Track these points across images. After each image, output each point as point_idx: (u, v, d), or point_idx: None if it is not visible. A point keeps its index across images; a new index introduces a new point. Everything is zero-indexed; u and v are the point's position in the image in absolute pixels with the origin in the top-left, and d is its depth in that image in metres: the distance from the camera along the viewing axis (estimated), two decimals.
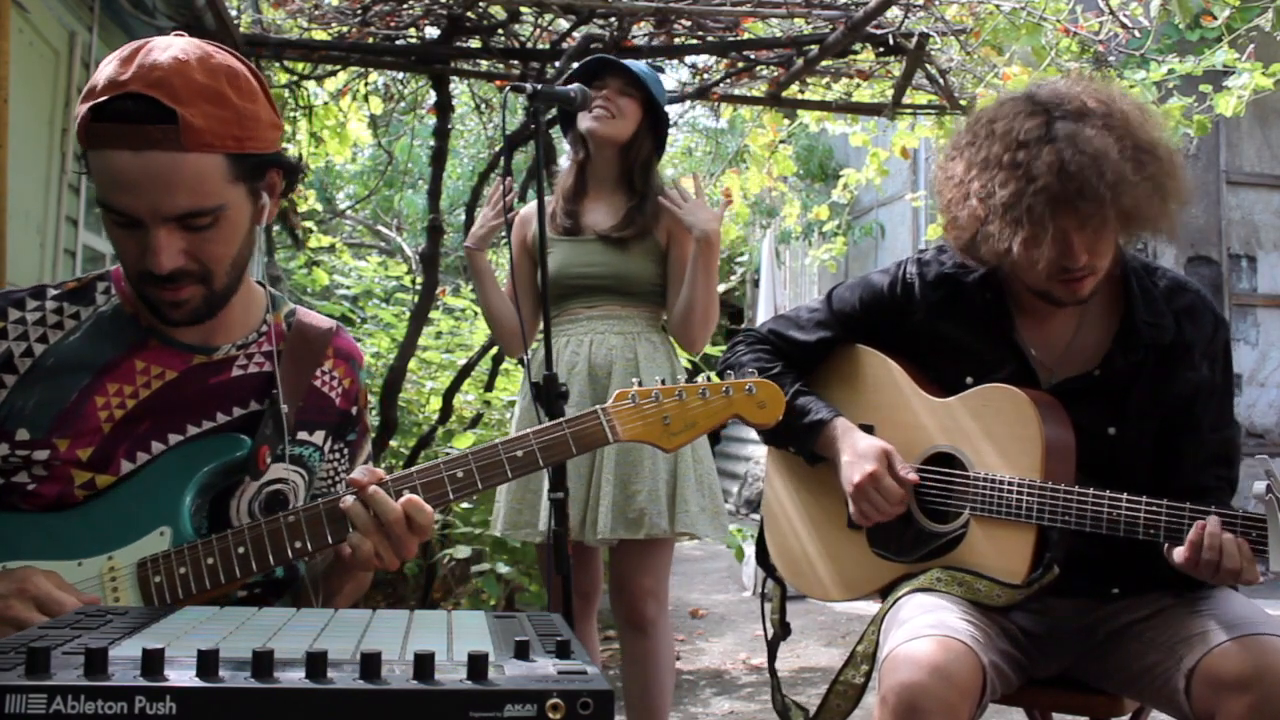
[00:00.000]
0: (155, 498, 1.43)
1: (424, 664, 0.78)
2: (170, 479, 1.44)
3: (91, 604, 1.34)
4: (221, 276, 1.43)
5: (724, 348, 2.74)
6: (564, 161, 2.95)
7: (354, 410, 1.65)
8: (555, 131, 3.59)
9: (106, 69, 1.35)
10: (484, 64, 4.63)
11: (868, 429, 1.97)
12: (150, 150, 1.32)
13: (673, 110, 6.56)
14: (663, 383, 1.53)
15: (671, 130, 3.45)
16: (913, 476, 1.88)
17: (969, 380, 1.89)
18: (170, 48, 1.36)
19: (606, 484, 2.66)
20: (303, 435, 1.57)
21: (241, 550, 1.39)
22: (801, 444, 2.00)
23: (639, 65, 2.82)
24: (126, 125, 1.31)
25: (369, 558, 1.37)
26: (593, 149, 2.80)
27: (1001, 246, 1.75)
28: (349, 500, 1.38)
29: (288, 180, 1.50)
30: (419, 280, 5.18)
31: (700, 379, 1.55)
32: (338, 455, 1.65)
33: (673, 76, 7.51)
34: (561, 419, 1.49)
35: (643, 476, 2.65)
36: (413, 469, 1.44)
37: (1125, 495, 1.71)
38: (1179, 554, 1.67)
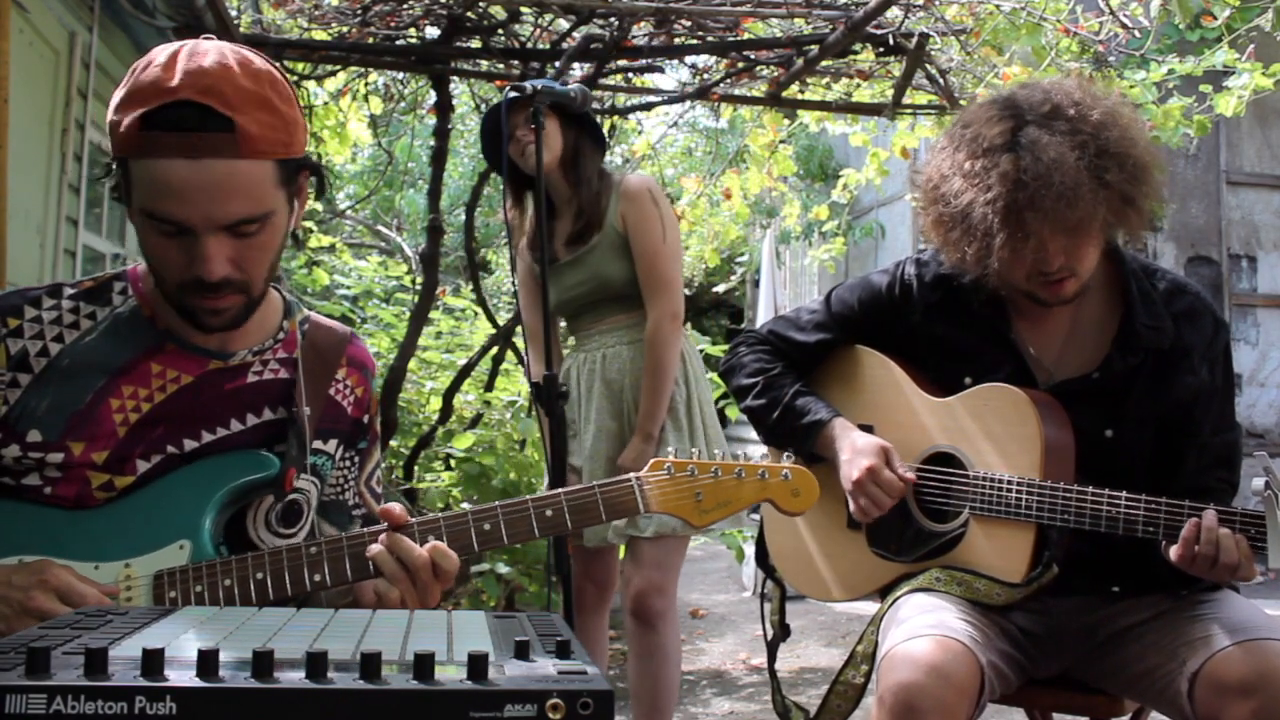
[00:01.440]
0: (177, 509, 1.42)
1: (424, 664, 0.78)
2: (195, 491, 1.43)
3: (112, 594, 1.34)
4: (259, 284, 1.43)
5: (725, 348, 2.75)
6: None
7: (365, 418, 1.64)
8: None
9: (147, 75, 1.32)
10: (484, 64, 4.63)
11: (867, 429, 1.97)
12: (207, 158, 1.30)
13: (673, 110, 6.57)
14: (696, 455, 1.53)
15: (671, 130, 3.45)
16: (910, 476, 1.89)
17: (968, 380, 1.90)
18: (210, 53, 1.34)
19: None
20: (317, 444, 1.57)
21: (260, 576, 1.38)
22: (800, 444, 2.00)
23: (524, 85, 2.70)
24: (182, 134, 1.30)
25: (396, 604, 1.37)
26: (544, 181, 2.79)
27: (956, 256, 1.80)
28: (375, 548, 1.37)
29: (318, 183, 1.51)
30: (419, 280, 5.18)
31: (741, 457, 1.53)
32: (348, 463, 1.64)
33: (673, 76, 7.52)
34: (595, 483, 1.48)
35: None
36: (439, 515, 1.43)
37: (1124, 493, 1.71)
38: (1175, 550, 1.67)
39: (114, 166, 1.39)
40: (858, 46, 4.25)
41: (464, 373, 4.82)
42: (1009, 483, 1.80)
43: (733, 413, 5.85)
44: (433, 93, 4.85)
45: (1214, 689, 1.61)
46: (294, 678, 0.76)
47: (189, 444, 1.46)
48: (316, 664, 0.77)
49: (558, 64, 4.12)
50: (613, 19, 4.12)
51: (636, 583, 2.76)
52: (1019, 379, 1.86)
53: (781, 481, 1.50)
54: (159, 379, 1.46)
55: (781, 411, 2.01)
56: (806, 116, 5.32)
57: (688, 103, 5.65)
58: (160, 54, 1.35)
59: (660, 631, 2.76)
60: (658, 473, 1.49)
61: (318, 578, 1.39)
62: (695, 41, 4.48)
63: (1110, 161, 1.69)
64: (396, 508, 1.40)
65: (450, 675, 0.78)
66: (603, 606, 2.88)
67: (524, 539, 1.45)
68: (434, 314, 5.72)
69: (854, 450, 1.91)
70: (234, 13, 4.23)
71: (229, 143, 1.31)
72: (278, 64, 1.44)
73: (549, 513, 1.44)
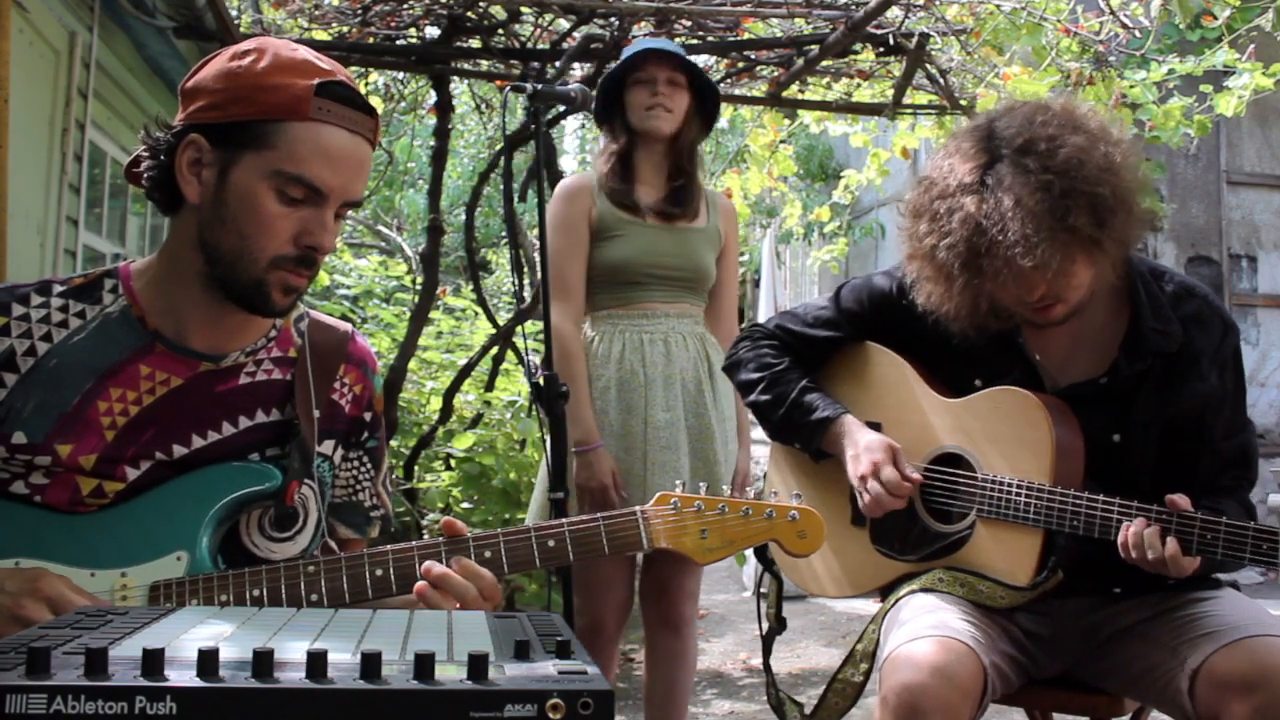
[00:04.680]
0: (176, 519, 1.40)
1: (424, 664, 0.78)
2: (194, 502, 1.41)
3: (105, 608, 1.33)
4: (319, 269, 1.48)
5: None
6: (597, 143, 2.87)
7: (367, 416, 1.61)
8: (555, 131, 3.57)
9: (286, 54, 1.39)
10: (484, 64, 4.63)
11: (875, 427, 1.97)
12: (360, 137, 1.41)
13: None
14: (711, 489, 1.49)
15: None
16: (916, 476, 1.89)
17: (978, 383, 1.89)
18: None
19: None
20: (315, 448, 1.54)
21: (256, 593, 1.37)
22: (807, 440, 2.00)
23: (678, 48, 2.74)
24: (351, 109, 1.39)
25: None
26: (639, 140, 2.69)
27: (924, 294, 1.81)
28: (423, 585, 1.34)
29: None
30: (419, 280, 5.19)
31: (750, 493, 1.49)
32: (356, 463, 1.61)
33: None
34: (599, 515, 1.45)
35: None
36: (440, 539, 1.41)
37: (1135, 503, 1.71)
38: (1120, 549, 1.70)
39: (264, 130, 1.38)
40: (858, 46, 4.25)
41: (464, 373, 4.82)
42: (1018, 487, 1.79)
43: None
44: (433, 93, 4.86)
45: (1215, 686, 1.61)
46: (294, 678, 0.76)
47: (179, 449, 1.44)
48: (316, 664, 0.77)
49: (558, 64, 4.13)
50: (613, 19, 4.12)
51: (671, 591, 2.72)
52: (1026, 383, 1.85)
53: (788, 522, 1.47)
54: (148, 381, 1.43)
55: (788, 407, 2.01)
56: (807, 117, 5.32)
57: None
58: (264, 44, 1.40)
59: (686, 638, 2.75)
60: (663, 507, 1.46)
61: (315, 596, 1.37)
62: (695, 41, 4.48)
63: (1077, 202, 1.65)
64: (458, 524, 1.41)
65: (450, 675, 0.78)
66: (614, 643, 2.76)
67: (525, 568, 1.44)
68: (434, 314, 5.72)
69: (861, 447, 1.90)
70: (234, 13, 4.23)
71: (373, 129, 1.43)
72: None
73: (551, 543, 1.43)
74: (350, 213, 1.49)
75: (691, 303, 2.72)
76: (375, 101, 5.29)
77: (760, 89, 4.96)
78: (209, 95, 1.39)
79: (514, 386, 5.16)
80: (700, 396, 2.65)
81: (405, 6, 4.33)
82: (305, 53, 1.42)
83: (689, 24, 4.34)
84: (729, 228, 2.81)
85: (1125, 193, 1.70)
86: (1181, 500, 1.68)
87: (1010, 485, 1.80)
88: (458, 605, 1.34)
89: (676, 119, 2.66)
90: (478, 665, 0.78)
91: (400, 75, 5.36)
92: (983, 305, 1.76)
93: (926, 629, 1.68)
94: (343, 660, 0.81)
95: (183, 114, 1.42)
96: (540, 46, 4.46)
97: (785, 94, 4.81)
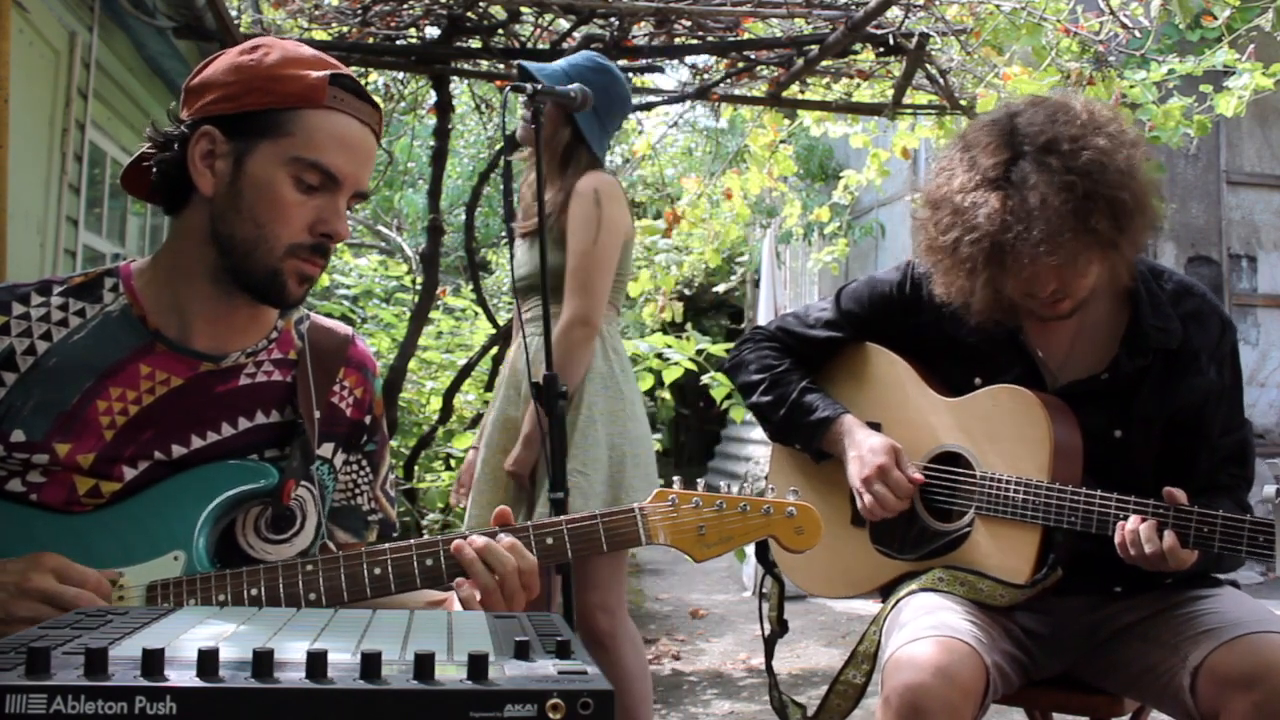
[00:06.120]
0: (172, 518, 1.40)
1: (424, 664, 0.78)
2: (190, 501, 1.41)
3: (111, 578, 1.32)
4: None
5: (725, 347, 2.75)
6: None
7: (367, 419, 1.60)
8: None
9: (293, 49, 1.42)
10: (484, 64, 4.63)
11: (875, 426, 1.97)
12: (368, 129, 1.45)
13: (673, 110, 6.57)
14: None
15: (671, 130, 3.33)
16: (918, 476, 1.89)
17: (978, 381, 1.90)
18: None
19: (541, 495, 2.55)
20: (316, 451, 1.54)
21: (254, 592, 1.36)
22: (808, 441, 2.01)
23: (539, 65, 2.61)
24: (360, 100, 1.43)
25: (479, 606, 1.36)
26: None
27: (942, 286, 1.82)
28: (460, 544, 1.36)
29: None
30: (419, 280, 5.19)
31: (745, 490, 1.51)
32: (355, 467, 1.61)
33: (673, 76, 7.53)
34: (597, 512, 1.46)
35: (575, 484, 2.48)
36: (437, 540, 1.41)
37: (1133, 498, 1.71)
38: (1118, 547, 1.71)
39: (277, 119, 1.39)
40: (858, 46, 4.25)
41: (464, 373, 4.82)
42: (1016, 484, 1.80)
43: (738, 414, 5.85)
44: (433, 93, 4.86)
45: (1216, 682, 1.62)
46: (294, 678, 0.76)
47: (178, 449, 1.43)
48: (316, 664, 0.77)
49: None
50: (613, 19, 4.12)
51: (578, 608, 2.56)
52: (1028, 381, 1.86)
53: (785, 519, 1.49)
54: (148, 381, 1.43)
55: (789, 408, 2.01)
56: (807, 117, 5.32)
57: (688, 103, 5.65)
58: (269, 40, 1.43)
59: (611, 649, 2.62)
60: (661, 504, 1.48)
61: (313, 595, 1.37)
62: (695, 41, 4.49)
63: (1098, 205, 1.68)
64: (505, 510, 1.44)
65: (450, 675, 0.78)
66: None
67: None
68: (434, 314, 5.73)
69: (863, 448, 1.91)
70: (234, 13, 4.23)
71: (379, 123, 1.47)
72: None
73: (549, 540, 1.44)
74: (352, 211, 1.50)
75: (549, 302, 2.62)
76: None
77: (760, 89, 4.96)
78: (221, 88, 1.39)
79: None
80: (522, 393, 2.66)
81: (405, 6, 4.33)
82: (310, 50, 1.44)
83: (689, 24, 4.34)
84: (573, 204, 2.59)
85: (1143, 196, 1.73)
86: (1178, 493, 1.69)
87: (1008, 482, 1.80)
88: (496, 578, 1.35)
89: (528, 127, 2.51)
90: (478, 665, 0.78)
91: (400, 75, 5.36)
92: (1003, 299, 1.78)
93: (928, 629, 1.68)
94: (343, 660, 0.81)
95: (190, 110, 1.42)
96: (540, 46, 4.46)
97: (785, 94, 4.81)
